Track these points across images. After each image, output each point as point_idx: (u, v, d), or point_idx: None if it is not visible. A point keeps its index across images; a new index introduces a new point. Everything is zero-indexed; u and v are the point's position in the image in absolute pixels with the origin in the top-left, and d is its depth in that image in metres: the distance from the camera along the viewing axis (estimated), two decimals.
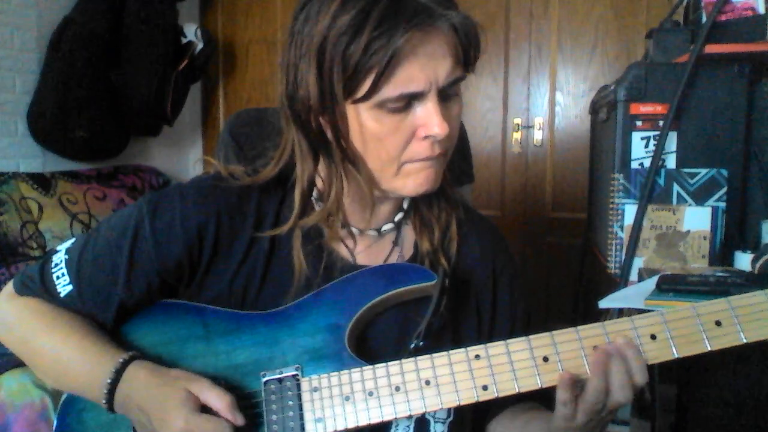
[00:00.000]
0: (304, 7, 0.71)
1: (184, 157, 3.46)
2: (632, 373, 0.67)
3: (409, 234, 0.87)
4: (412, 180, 0.75)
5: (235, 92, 3.49)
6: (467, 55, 0.72)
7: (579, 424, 0.68)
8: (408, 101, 0.70)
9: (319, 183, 0.80)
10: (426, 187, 0.76)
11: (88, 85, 2.64)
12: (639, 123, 1.39)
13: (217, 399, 0.69)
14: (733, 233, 1.35)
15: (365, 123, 0.71)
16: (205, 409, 0.69)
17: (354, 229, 0.83)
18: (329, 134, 0.73)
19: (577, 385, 0.67)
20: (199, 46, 3.02)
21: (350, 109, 0.70)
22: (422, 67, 0.68)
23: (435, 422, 0.80)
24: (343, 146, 0.72)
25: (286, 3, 3.27)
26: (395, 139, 0.72)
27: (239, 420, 0.69)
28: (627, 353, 0.67)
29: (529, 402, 0.86)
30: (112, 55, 2.73)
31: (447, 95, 0.72)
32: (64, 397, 0.82)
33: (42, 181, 2.49)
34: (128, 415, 0.73)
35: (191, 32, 3.00)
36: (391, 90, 0.68)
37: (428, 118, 0.70)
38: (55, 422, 0.81)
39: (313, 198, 0.81)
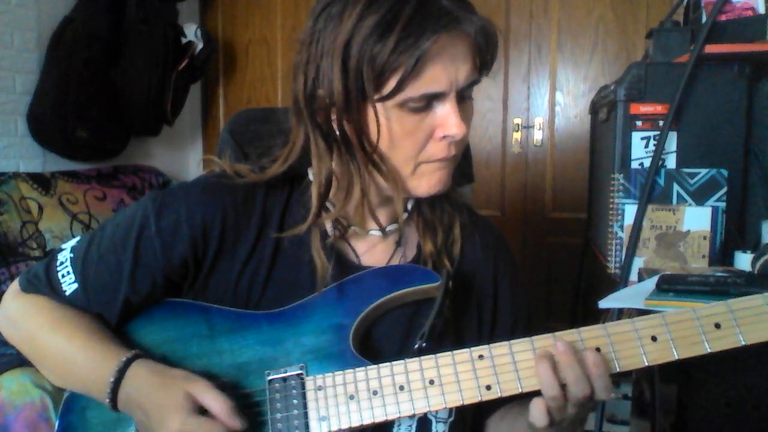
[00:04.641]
0: (326, 7, 0.71)
1: (184, 157, 3.46)
2: (587, 367, 0.66)
3: (412, 235, 0.87)
4: (426, 181, 0.76)
5: (235, 92, 3.49)
6: (485, 58, 0.73)
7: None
8: (428, 101, 0.71)
9: (333, 182, 0.80)
10: (438, 189, 0.77)
11: (88, 85, 2.63)
12: (639, 123, 1.39)
13: (215, 402, 0.68)
14: (733, 233, 1.35)
15: (390, 121, 0.71)
16: (204, 411, 0.69)
17: (359, 229, 0.83)
18: (350, 134, 0.73)
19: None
20: (199, 46, 3.02)
21: (376, 108, 0.71)
22: (445, 69, 0.69)
23: (437, 422, 0.80)
24: (365, 146, 0.73)
25: (286, 3, 3.27)
26: (415, 139, 0.73)
27: (236, 425, 0.68)
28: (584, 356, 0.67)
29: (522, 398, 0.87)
30: (112, 55, 2.73)
31: (463, 97, 0.74)
32: (66, 395, 0.82)
33: (42, 181, 2.49)
34: (130, 413, 0.74)
35: (191, 32, 3.00)
36: (414, 90, 0.69)
37: (447, 118, 0.72)
38: (57, 421, 0.81)
39: None
